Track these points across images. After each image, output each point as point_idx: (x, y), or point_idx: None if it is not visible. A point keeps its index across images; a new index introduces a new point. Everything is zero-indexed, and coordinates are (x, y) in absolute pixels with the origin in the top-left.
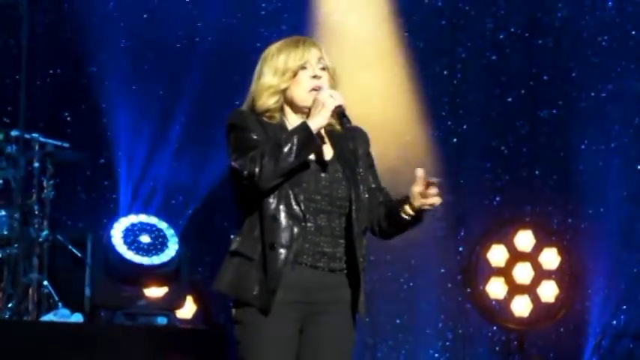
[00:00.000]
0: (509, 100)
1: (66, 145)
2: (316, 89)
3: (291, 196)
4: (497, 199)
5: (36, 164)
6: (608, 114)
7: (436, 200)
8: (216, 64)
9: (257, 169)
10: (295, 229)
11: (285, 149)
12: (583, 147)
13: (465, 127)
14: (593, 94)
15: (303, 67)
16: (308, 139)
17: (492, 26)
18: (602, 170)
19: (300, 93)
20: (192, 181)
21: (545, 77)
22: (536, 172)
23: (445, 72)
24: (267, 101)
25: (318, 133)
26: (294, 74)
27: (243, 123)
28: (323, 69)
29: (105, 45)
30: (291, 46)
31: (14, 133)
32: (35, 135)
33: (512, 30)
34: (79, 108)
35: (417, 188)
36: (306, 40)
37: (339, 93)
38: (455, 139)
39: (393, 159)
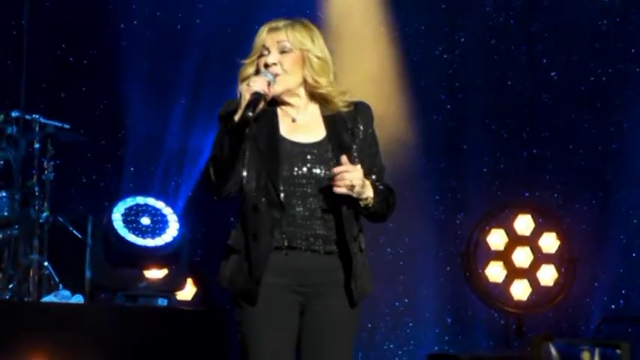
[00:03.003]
0: (509, 83)
1: (67, 126)
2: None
3: (270, 185)
4: (497, 182)
5: (36, 145)
6: (607, 97)
7: (337, 188)
8: (218, 44)
9: (208, 182)
10: (276, 216)
11: (223, 152)
12: (583, 131)
13: (464, 110)
14: (592, 78)
15: (261, 55)
16: (230, 137)
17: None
18: (602, 154)
19: None
20: (192, 163)
21: (544, 60)
22: (536, 156)
23: (444, 56)
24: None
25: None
26: (254, 61)
27: (224, 115)
28: (283, 52)
29: (105, 26)
30: (259, 32)
31: (15, 114)
32: (36, 116)
33: (511, 13)
34: (80, 89)
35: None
36: (273, 23)
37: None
38: (454, 123)
39: (391, 142)
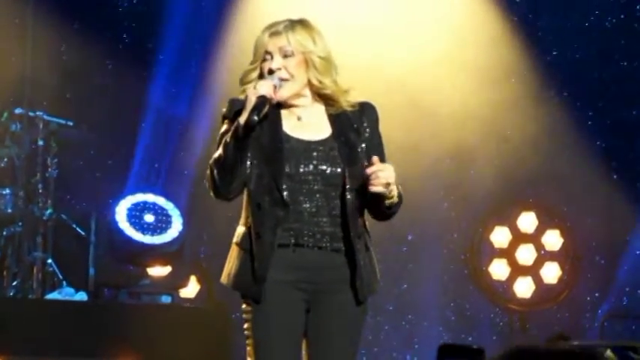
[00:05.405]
0: (513, 81)
1: (70, 123)
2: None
3: (272, 183)
4: (501, 180)
5: (40, 142)
6: (612, 94)
7: (373, 187)
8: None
9: (212, 185)
10: (279, 214)
11: (227, 156)
12: (587, 127)
13: (468, 108)
14: (597, 75)
15: (264, 60)
16: (236, 141)
17: None
18: (606, 151)
19: None
20: (196, 161)
21: (549, 58)
22: (540, 154)
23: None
24: (243, 90)
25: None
26: (257, 67)
27: (228, 116)
28: (286, 56)
29: (110, 24)
30: (260, 36)
31: (18, 111)
32: (39, 113)
33: (517, 11)
34: (84, 87)
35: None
36: (274, 27)
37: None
38: (459, 121)
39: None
